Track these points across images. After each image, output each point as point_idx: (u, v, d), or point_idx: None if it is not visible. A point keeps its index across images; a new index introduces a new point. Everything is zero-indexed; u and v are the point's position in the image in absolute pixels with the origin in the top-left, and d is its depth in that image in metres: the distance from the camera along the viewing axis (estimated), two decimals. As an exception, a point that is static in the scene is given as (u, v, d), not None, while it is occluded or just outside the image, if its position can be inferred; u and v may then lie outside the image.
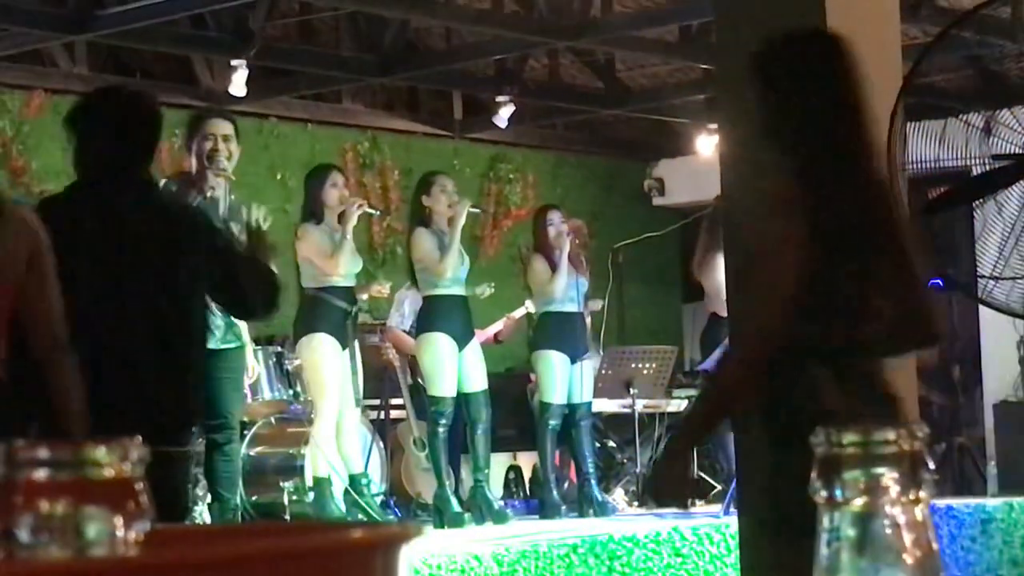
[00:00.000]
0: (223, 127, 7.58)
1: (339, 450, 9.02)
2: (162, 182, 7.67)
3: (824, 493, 0.89)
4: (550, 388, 10.14)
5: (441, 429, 9.29)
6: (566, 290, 10.14)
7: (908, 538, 0.89)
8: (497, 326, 11.27)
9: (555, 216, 10.38)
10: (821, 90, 3.95)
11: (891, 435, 0.89)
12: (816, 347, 3.75)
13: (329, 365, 8.85)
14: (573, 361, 10.15)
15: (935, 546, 0.90)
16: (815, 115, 3.94)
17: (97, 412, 4.63)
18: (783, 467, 3.54)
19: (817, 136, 3.92)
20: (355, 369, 9.01)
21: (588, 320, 10.73)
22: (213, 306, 7.40)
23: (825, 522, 0.90)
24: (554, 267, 10.15)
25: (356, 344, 9.11)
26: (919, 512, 0.89)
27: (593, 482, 10.23)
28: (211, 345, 7.37)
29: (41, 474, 0.82)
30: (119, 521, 0.83)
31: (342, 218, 8.95)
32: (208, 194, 7.42)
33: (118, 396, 4.81)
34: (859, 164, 3.94)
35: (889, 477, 0.89)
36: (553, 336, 10.16)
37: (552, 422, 10.13)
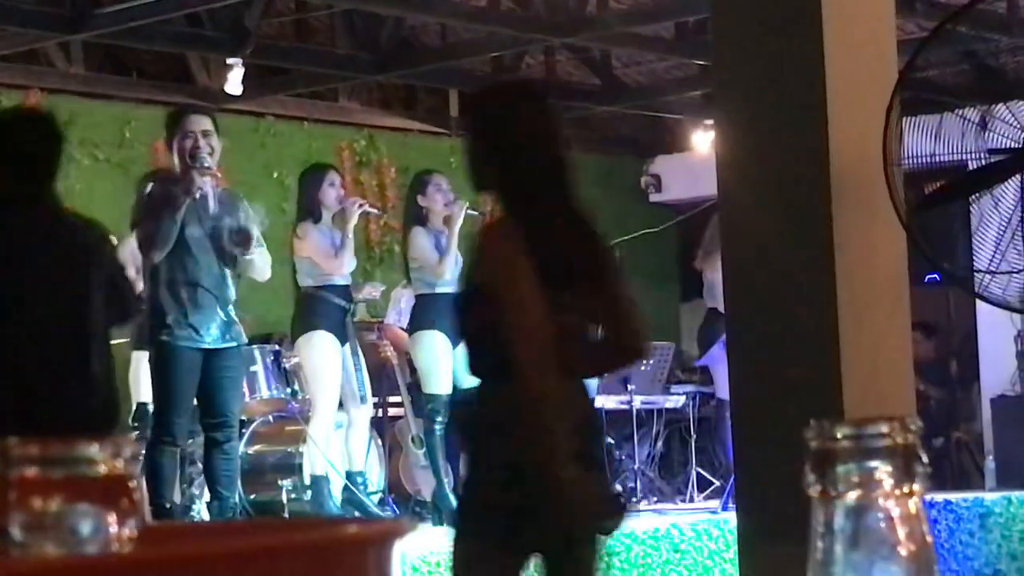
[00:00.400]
0: (202, 123, 7.52)
1: (346, 444, 9.04)
2: (149, 186, 7.68)
3: (818, 487, 0.89)
4: None
5: (438, 426, 9.28)
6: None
7: (902, 531, 0.89)
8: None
9: None
10: (521, 137, 4.29)
11: (884, 428, 0.89)
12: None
13: (328, 362, 8.85)
14: None
15: (929, 539, 0.90)
16: (519, 160, 4.28)
17: (28, 415, 4.84)
18: (469, 455, 4.37)
19: (523, 179, 4.27)
20: (359, 366, 9.02)
21: None
22: (216, 306, 7.44)
23: (818, 516, 0.90)
24: None
25: (356, 342, 9.12)
26: (913, 505, 0.89)
27: (592, 478, 10.23)
28: (210, 345, 7.41)
29: (34, 471, 0.82)
30: (112, 518, 0.83)
31: (339, 217, 8.94)
32: (196, 195, 7.38)
33: (44, 399, 4.95)
34: (563, 204, 4.33)
35: (883, 470, 0.89)
36: None
37: None
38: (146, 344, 8.37)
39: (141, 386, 8.68)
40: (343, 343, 8.88)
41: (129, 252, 8.64)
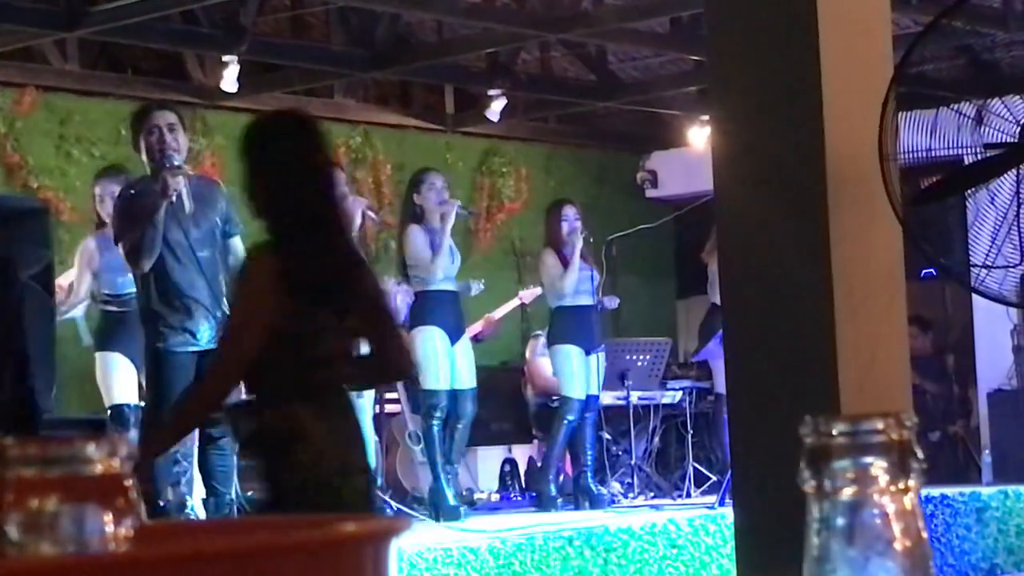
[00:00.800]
0: (165, 117, 7.40)
1: None
2: (120, 190, 7.64)
3: (813, 483, 0.89)
4: (568, 383, 10.15)
5: (436, 422, 9.29)
6: (578, 284, 10.16)
7: (897, 527, 0.89)
8: (476, 327, 11.23)
9: (569, 212, 10.40)
10: (286, 166, 4.57)
11: (880, 424, 0.89)
12: (296, 385, 4.45)
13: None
14: (587, 354, 10.16)
15: (924, 535, 0.90)
16: (282, 188, 4.55)
17: None
18: (263, 471, 4.53)
19: (285, 206, 4.54)
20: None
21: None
22: (208, 306, 7.42)
23: (814, 512, 0.90)
24: (565, 262, 10.17)
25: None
26: (908, 501, 0.89)
27: (590, 474, 10.24)
28: (205, 346, 7.38)
29: (30, 471, 0.82)
30: (109, 517, 0.83)
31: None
32: (173, 197, 7.31)
33: None
34: (327, 231, 4.59)
35: (878, 466, 0.89)
36: (568, 330, 10.18)
37: (570, 417, 10.13)
38: (109, 344, 8.42)
39: (113, 388, 8.58)
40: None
41: (89, 252, 8.65)
